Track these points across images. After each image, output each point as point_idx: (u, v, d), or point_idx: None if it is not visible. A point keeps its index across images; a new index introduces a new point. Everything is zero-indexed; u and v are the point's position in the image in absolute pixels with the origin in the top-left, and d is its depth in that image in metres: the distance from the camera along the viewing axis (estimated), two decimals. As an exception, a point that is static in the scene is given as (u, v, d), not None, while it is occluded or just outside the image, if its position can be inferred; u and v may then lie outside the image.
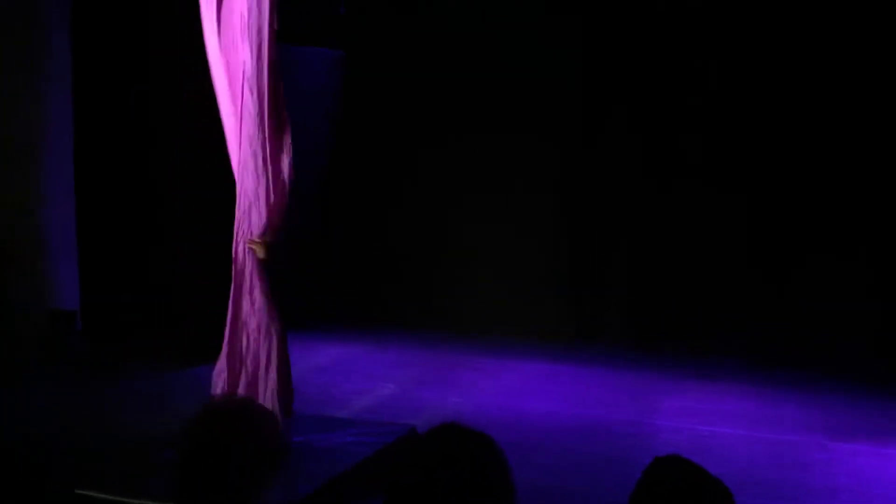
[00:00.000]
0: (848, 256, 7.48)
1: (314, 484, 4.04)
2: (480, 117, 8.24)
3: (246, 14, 4.47)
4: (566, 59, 7.97)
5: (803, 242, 7.60)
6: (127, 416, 5.52)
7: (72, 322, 7.59)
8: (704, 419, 6.05)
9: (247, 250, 4.58)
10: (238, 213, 4.61)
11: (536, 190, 8.22)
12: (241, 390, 4.52)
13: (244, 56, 4.50)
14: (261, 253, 4.56)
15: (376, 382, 6.69)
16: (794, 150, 7.57)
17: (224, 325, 4.67)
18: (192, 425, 1.67)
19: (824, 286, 7.48)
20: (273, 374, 4.57)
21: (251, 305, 4.56)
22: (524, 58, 8.01)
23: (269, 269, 4.67)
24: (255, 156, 4.50)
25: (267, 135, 4.48)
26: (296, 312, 8.28)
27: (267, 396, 4.48)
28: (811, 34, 7.39)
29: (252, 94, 4.47)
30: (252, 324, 4.58)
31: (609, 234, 8.14)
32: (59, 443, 4.65)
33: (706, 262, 7.83)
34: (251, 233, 4.54)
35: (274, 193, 4.52)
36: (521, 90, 8.10)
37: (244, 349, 4.58)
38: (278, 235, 4.63)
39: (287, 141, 4.58)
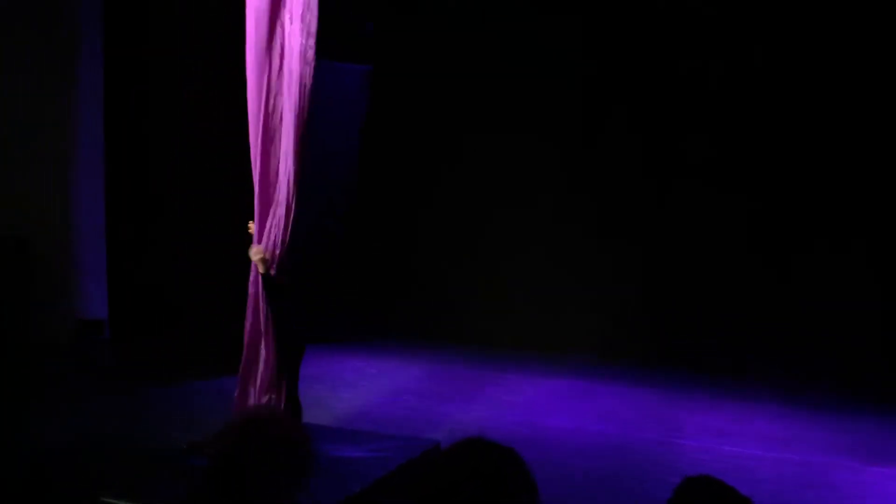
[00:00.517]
0: (883, 271, 7.39)
1: (338, 497, 4.04)
2: (505, 128, 8.26)
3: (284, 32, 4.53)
4: (578, 62, 7.99)
5: (832, 256, 7.52)
6: (153, 426, 5.56)
7: (99, 331, 7.69)
8: (731, 439, 5.98)
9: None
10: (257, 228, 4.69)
11: (562, 203, 8.22)
12: (257, 400, 4.56)
13: (275, 73, 4.56)
14: (261, 268, 4.61)
15: (400, 396, 6.69)
16: (804, 150, 7.52)
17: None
18: (222, 434, 1.68)
19: (854, 303, 7.39)
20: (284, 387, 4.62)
21: (266, 319, 4.63)
22: (544, 63, 8.04)
23: (280, 286, 4.73)
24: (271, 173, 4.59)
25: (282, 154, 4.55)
26: (321, 325, 8.32)
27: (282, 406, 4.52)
28: (810, 31, 7.36)
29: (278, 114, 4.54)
30: (269, 336, 4.64)
31: (633, 251, 8.11)
32: (85, 451, 4.69)
33: (733, 279, 7.78)
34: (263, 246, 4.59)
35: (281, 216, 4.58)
36: (547, 98, 8.13)
37: (261, 361, 4.64)
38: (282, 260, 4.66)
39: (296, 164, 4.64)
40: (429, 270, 8.63)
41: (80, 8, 7.43)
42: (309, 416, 5.05)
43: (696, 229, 7.85)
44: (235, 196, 7.46)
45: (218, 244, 7.54)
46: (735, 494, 1.74)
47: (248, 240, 5.45)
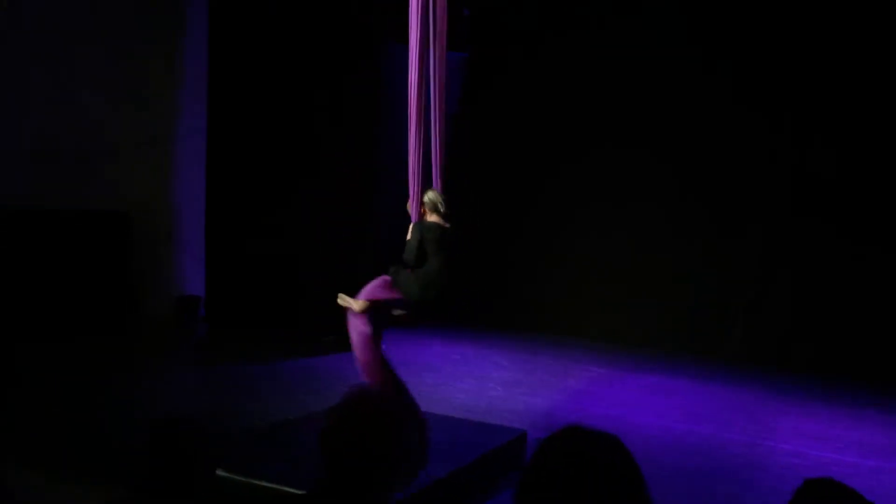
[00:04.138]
0: None
1: (425, 481, 4.06)
2: (604, 125, 8.15)
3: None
4: (695, 63, 7.78)
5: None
6: (250, 401, 5.71)
7: (196, 307, 7.97)
8: (827, 444, 5.76)
9: None
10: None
11: (657, 200, 8.06)
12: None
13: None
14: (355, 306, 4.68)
15: (485, 383, 6.70)
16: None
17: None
18: (339, 413, 1.69)
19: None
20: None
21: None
22: (654, 65, 7.86)
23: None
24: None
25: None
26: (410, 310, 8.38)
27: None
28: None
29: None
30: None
31: (727, 249, 7.90)
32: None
33: (836, 276, 7.50)
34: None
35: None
36: (646, 99, 7.95)
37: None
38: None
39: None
40: (519, 259, 8.59)
41: (189, 11, 7.68)
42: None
43: (798, 228, 7.61)
44: (331, 180, 7.62)
45: (310, 228, 7.70)
46: (860, 499, 1.66)
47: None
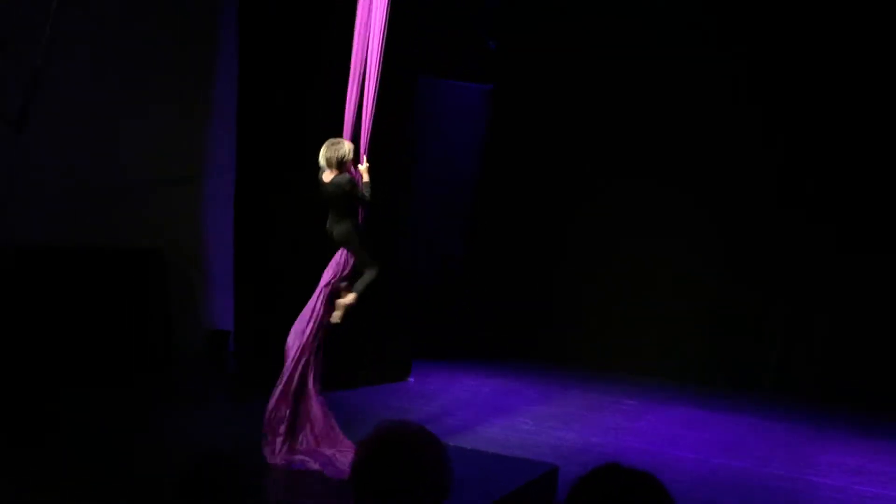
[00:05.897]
0: None
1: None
2: (634, 158, 8.13)
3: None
4: (726, 93, 7.74)
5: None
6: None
7: (225, 342, 7.99)
8: (870, 479, 5.59)
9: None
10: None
11: (689, 232, 7.99)
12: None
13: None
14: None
15: (516, 418, 6.61)
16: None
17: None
18: (367, 448, 1.68)
19: None
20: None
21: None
22: (682, 92, 7.83)
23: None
24: None
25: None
26: (440, 343, 8.35)
27: None
28: None
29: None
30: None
31: (760, 281, 7.80)
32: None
33: (869, 310, 7.35)
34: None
35: None
36: (679, 130, 7.92)
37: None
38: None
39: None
40: (550, 293, 8.54)
41: (216, 40, 7.83)
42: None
43: (837, 261, 7.49)
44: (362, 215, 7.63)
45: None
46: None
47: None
